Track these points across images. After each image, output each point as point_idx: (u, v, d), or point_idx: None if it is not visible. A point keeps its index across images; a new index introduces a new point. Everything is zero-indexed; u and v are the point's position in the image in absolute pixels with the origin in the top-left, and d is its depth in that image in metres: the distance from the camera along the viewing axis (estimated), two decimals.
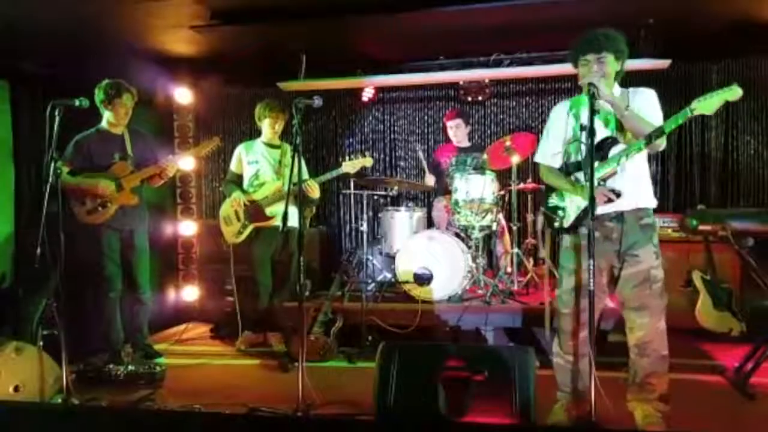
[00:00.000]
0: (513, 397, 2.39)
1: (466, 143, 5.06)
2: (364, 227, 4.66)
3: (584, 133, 2.44)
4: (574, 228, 2.65)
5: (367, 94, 5.69)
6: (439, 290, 4.15)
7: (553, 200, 2.75)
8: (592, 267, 2.33)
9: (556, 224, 2.73)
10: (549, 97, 5.50)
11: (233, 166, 4.35)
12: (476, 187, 4.27)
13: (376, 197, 5.31)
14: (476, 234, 4.34)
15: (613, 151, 2.55)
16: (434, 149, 5.53)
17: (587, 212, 2.51)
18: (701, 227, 4.24)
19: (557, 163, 2.76)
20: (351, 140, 5.97)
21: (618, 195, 2.49)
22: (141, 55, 4.75)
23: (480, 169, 4.59)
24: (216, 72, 5.46)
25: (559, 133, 2.72)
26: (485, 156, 4.65)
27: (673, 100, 4.98)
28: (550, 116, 2.81)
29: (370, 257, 4.71)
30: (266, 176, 4.22)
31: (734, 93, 2.29)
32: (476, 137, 5.58)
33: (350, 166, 4.08)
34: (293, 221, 3.57)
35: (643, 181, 2.62)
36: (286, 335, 4.11)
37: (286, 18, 4.14)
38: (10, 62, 4.84)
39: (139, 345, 3.99)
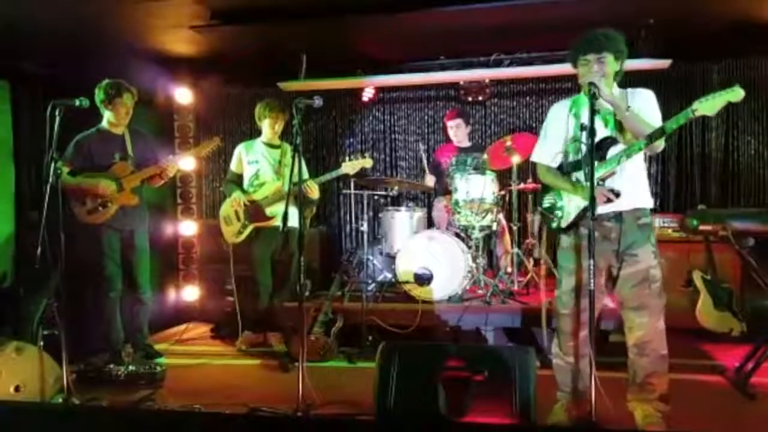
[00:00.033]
0: (513, 397, 2.39)
1: (466, 143, 5.06)
2: (365, 227, 4.66)
3: (584, 133, 2.44)
4: (572, 228, 2.65)
5: (368, 94, 5.69)
6: (440, 290, 4.15)
7: (551, 200, 2.75)
8: (592, 267, 2.33)
9: (554, 224, 2.73)
10: (549, 97, 5.50)
11: (233, 166, 4.35)
12: (476, 187, 4.27)
13: (376, 197, 5.31)
14: (476, 234, 4.34)
15: (612, 151, 2.55)
16: (434, 149, 5.53)
17: (586, 212, 2.52)
18: (702, 227, 4.24)
19: (557, 163, 2.76)
20: (351, 140, 5.96)
21: (617, 195, 2.50)
22: (141, 55, 4.75)
23: (480, 169, 4.59)
24: (216, 72, 5.46)
25: (559, 133, 2.72)
26: (485, 156, 4.65)
27: (673, 100, 5.00)
28: (549, 116, 2.80)
29: (371, 257, 4.71)
30: (266, 176, 4.22)
31: (737, 94, 2.29)
32: (476, 137, 5.57)
33: (350, 166, 4.08)
34: (293, 221, 3.57)
35: (641, 182, 2.63)
36: (286, 335, 4.11)
37: (286, 18, 4.15)
38: (10, 62, 4.85)
39: (140, 345, 3.99)
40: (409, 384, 2.50)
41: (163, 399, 3.23)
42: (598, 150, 2.51)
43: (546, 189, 2.81)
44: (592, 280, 2.34)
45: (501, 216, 4.65)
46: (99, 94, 3.78)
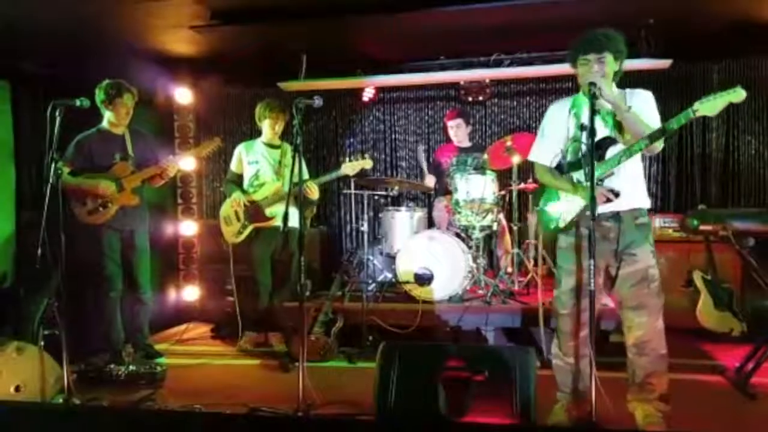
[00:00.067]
0: (513, 397, 2.39)
1: (466, 143, 5.06)
2: (365, 227, 4.66)
3: (584, 133, 2.44)
4: (570, 228, 2.65)
5: (368, 94, 5.69)
6: (440, 290, 4.15)
7: (549, 200, 2.75)
8: (593, 267, 2.33)
9: (552, 225, 2.73)
10: (549, 97, 5.50)
11: (233, 166, 4.35)
12: (477, 187, 4.27)
13: (376, 197, 5.31)
14: (477, 234, 4.34)
15: (611, 151, 2.55)
16: (435, 149, 5.53)
17: (584, 212, 2.52)
18: (702, 227, 4.24)
19: (555, 162, 2.75)
20: (351, 140, 5.97)
21: (617, 195, 2.50)
22: (141, 55, 4.75)
23: (481, 169, 4.59)
24: (216, 72, 5.46)
25: (559, 133, 2.71)
26: (486, 156, 4.65)
27: (673, 100, 5.00)
28: (547, 115, 2.80)
29: (371, 257, 4.71)
30: (266, 176, 4.22)
31: (738, 95, 2.29)
32: (477, 137, 5.58)
33: (350, 167, 4.08)
34: (294, 221, 3.57)
35: (639, 182, 2.64)
36: (286, 335, 4.11)
37: (286, 18, 4.15)
38: (10, 62, 4.85)
39: (140, 345, 3.99)
40: (410, 384, 2.50)
41: (164, 399, 3.23)
42: (597, 150, 2.51)
43: (543, 189, 2.81)
44: (592, 280, 2.34)
45: (501, 216, 4.65)
46: (99, 95, 3.78)
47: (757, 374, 3.19)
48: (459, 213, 4.35)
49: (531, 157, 2.83)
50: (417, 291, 4.18)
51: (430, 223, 5.08)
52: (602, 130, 2.58)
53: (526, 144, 4.47)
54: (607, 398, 2.39)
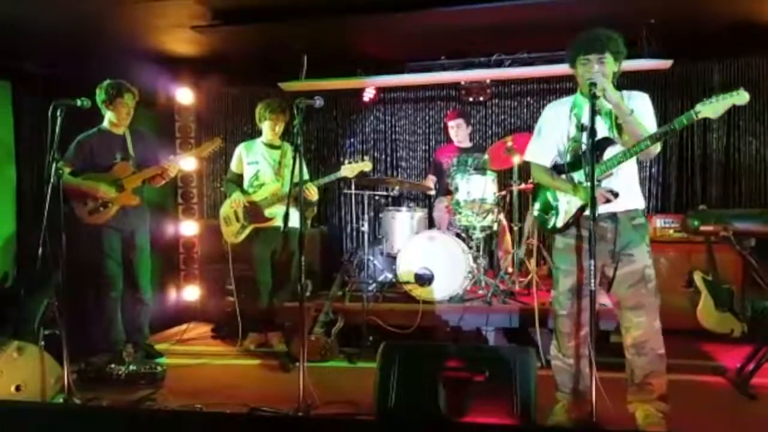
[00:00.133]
0: (513, 397, 2.39)
1: (467, 143, 5.06)
2: (365, 227, 4.66)
3: (584, 134, 2.44)
4: (567, 228, 2.65)
5: (368, 95, 5.69)
6: (440, 290, 4.15)
7: (546, 200, 2.75)
8: (593, 267, 2.33)
9: (549, 225, 2.73)
10: (550, 97, 5.48)
11: (233, 166, 4.35)
12: (477, 188, 4.27)
13: (377, 197, 5.31)
14: (477, 234, 4.34)
15: (609, 152, 2.55)
16: (435, 149, 5.53)
17: (582, 212, 2.52)
18: (703, 228, 4.23)
19: (551, 162, 2.75)
20: (352, 140, 5.97)
21: (616, 195, 2.50)
22: (142, 56, 4.75)
23: (481, 169, 4.58)
24: (217, 72, 5.46)
25: (558, 133, 2.70)
26: (486, 156, 4.64)
27: (674, 99, 4.99)
28: (546, 115, 2.79)
29: (371, 257, 4.71)
30: (266, 177, 4.22)
31: (741, 98, 2.28)
32: (477, 137, 5.57)
33: (349, 170, 4.09)
34: (294, 221, 3.57)
35: (635, 183, 2.65)
36: (287, 335, 4.11)
37: (287, 18, 4.15)
38: (11, 63, 4.86)
39: (140, 345, 3.98)
40: (410, 384, 2.50)
41: (164, 399, 3.23)
42: (596, 150, 2.51)
43: (540, 189, 2.81)
44: (593, 281, 2.34)
45: (502, 216, 4.65)
46: (100, 95, 3.78)
47: (757, 375, 3.19)
48: (459, 213, 4.35)
49: (527, 157, 2.83)
50: (417, 291, 4.17)
51: (431, 224, 5.08)
52: (601, 131, 2.58)
53: (526, 144, 4.44)
54: (607, 398, 2.39)
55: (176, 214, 5.72)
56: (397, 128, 5.96)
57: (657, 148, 2.50)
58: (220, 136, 4.33)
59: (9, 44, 4.48)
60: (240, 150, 4.34)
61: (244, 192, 4.22)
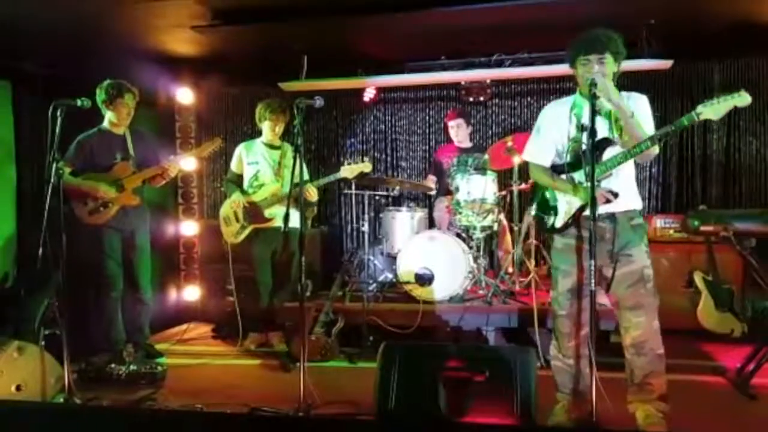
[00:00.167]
0: (514, 397, 2.39)
1: (467, 143, 5.06)
2: (366, 227, 4.66)
3: (584, 134, 2.44)
4: (566, 228, 2.65)
5: (369, 95, 5.69)
6: (440, 290, 4.15)
7: (545, 200, 2.74)
8: (593, 267, 2.33)
9: (548, 225, 2.72)
10: (550, 97, 5.48)
11: (233, 166, 4.36)
12: (477, 188, 4.27)
13: (377, 197, 5.31)
14: (477, 234, 4.34)
15: (609, 152, 2.55)
16: (435, 149, 5.53)
17: (581, 212, 2.52)
18: (703, 228, 4.23)
19: (550, 162, 2.75)
20: (352, 140, 5.97)
21: (616, 196, 2.51)
22: (142, 56, 4.75)
23: (481, 169, 4.58)
24: (217, 72, 5.47)
25: (557, 133, 2.70)
26: (486, 156, 4.64)
27: (674, 100, 4.99)
28: (545, 115, 2.78)
29: (372, 257, 4.71)
30: (266, 177, 4.23)
31: (743, 99, 2.28)
32: (477, 137, 5.57)
33: (348, 171, 4.09)
34: (294, 221, 3.57)
35: (632, 183, 2.66)
36: (287, 335, 4.11)
37: (287, 18, 4.15)
38: (11, 62, 4.85)
39: (141, 345, 3.99)
40: (410, 384, 2.50)
41: (164, 399, 3.23)
42: (595, 150, 2.51)
43: (538, 188, 2.80)
44: (593, 281, 2.34)
45: (502, 216, 4.65)
46: (100, 95, 3.78)
47: (757, 375, 3.19)
48: (460, 213, 4.35)
49: (526, 157, 2.83)
50: (417, 291, 4.17)
51: (431, 224, 5.08)
52: (601, 131, 2.57)
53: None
54: (607, 398, 2.39)
55: (176, 214, 5.72)
56: (397, 128, 5.96)
57: (655, 149, 2.50)
58: (221, 136, 4.33)
59: (9, 44, 4.48)
60: (240, 150, 4.34)
61: (243, 192, 4.22)
